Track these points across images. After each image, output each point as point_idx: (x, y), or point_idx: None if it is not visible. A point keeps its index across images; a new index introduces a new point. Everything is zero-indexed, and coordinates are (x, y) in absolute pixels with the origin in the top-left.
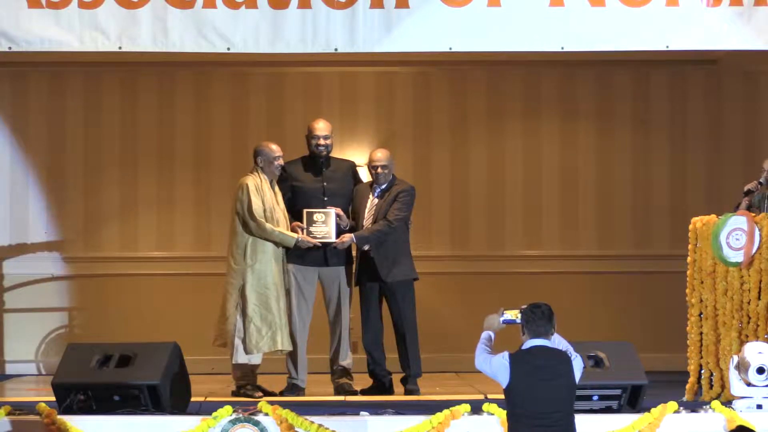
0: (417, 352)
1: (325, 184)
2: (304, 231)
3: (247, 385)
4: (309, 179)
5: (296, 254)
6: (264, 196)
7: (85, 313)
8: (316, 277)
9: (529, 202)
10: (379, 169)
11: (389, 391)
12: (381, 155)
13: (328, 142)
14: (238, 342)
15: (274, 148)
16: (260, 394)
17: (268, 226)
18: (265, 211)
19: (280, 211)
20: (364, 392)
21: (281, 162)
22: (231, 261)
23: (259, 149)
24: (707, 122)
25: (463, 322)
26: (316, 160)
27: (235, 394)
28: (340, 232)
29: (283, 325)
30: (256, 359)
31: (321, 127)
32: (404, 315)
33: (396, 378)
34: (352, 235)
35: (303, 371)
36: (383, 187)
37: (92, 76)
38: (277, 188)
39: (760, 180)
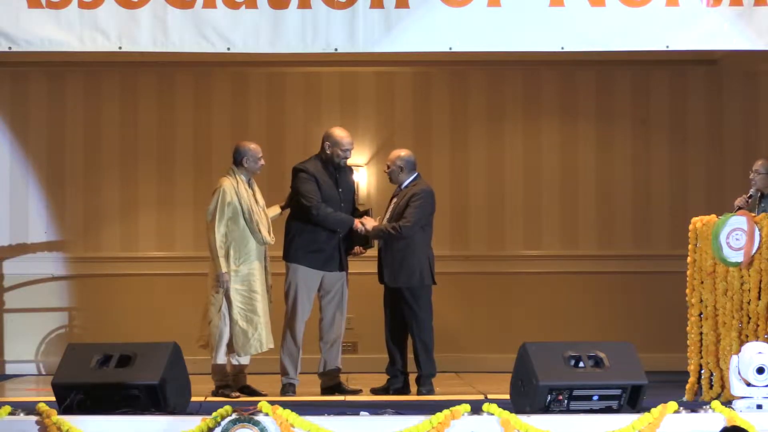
0: (426, 355)
1: (340, 190)
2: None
3: (225, 386)
4: (328, 184)
5: (321, 260)
6: (241, 197)
7: (85, 313)
8: (320, 279)
9: (529, 202)
10: (385, 171)
11: (404, 390)
12: (390, 156)
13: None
14: (219, 343)
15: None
16: (237, 394)
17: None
18: (243, 212)
19: (259, 209)
20: (375, 391)
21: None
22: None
23: (243, 149)
24: (707, 122)
25: (463, 322)
26: (329, 167)
27: (214, 394)
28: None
29: (266, 323)
30: (244, 360)
31: (350, 139)
32: (410, 319)
33: (411, 378)
34: (373, 223)
35: (298, 369)
36: (401, 186)
37: (92, 76)
38: (255, 187)
39: (750, 193)
